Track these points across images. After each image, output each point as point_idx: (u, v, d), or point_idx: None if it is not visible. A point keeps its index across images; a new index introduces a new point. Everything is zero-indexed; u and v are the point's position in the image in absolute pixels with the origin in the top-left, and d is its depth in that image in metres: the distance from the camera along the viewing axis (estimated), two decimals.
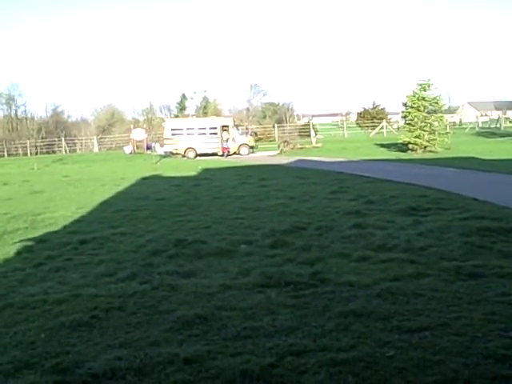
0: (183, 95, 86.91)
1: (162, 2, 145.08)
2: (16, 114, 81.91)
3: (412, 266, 8.21)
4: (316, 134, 56.87)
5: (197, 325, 6.16)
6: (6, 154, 63.92)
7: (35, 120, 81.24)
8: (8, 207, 17.60)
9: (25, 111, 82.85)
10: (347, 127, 71.35)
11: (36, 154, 63.52)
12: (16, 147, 66.46)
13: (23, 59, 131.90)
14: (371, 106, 77.42)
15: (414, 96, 39.33)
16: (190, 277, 8.23)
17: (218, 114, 71.63)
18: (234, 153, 45.73)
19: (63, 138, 66.35)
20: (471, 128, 66.48)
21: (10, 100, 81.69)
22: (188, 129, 46.47)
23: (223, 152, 45.11)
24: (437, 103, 39.70)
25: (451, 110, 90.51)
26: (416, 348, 5.29)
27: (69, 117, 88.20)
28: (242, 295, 7.20)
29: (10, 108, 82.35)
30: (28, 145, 64.16)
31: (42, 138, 70.44)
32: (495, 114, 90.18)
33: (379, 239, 10.03)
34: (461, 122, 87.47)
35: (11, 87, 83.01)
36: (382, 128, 63.16)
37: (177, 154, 45.42)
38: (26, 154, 62.69)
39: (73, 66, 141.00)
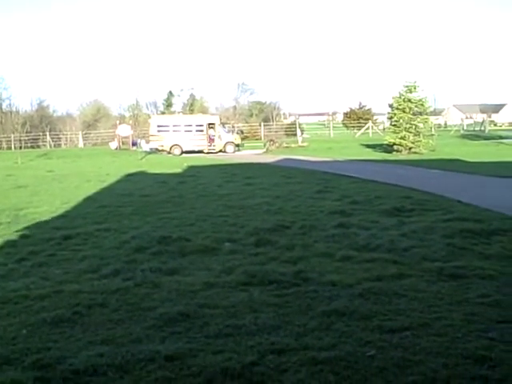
0: (170, 92, 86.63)
1: None
2: (1, 108, 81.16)
3: (395, 266, 8.27)
4: (302, 134, 56.93)
5: (179, 322, 6.16)
6: None
7: (20, 114, 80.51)
8: None
9: (9, 105, 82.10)
10: (333, 127, 71.47)
11: (20, 148, 62.92)
12: (0, 141, 65.93)
13: (8, 53, 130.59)
14: (357, 107, 77.74)
15: (399, 97, 39.56)
16: (173, 274, 8.22)
17: (204, 111, 71.39)
18: (220, 150, 45.72)
19: (48, 133, 65.76)
20: (456, 130, 66.93)
21: None
22: (174, 126, 46.40)
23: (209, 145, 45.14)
24: (422, 105, 39.93)
25: (437, 112, 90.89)
26: (396, 348, 5.34)
27: (54, 111, 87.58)
28: (224, 293, 7.22)
29: None
30: (12, 139, 63.55)
31: (27, 133, 69.78)
32: (480, 117, 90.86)
33: (363, 239, 10.08)
34: (446, 124, 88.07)
35: None
36: (367, 128, 63.42)
37: (162, 150, 45.33)
38: (10, 148, 62.11)
39: (59, 60, 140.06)
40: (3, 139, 65.72)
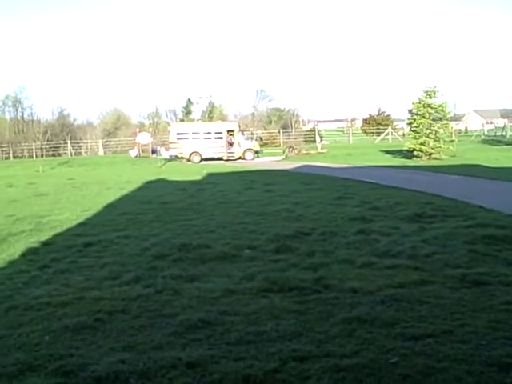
0: (189, 100, 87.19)
1: (170, 7, 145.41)
2: (22, 117, 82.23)
3: (416, 272, 8.19)
4: (321, 140, 56.91)
5: (200, 329, 6.15)
6: (11, 156, 64.26)
7: (41, 123, 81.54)
8: (13, 209, 17.63)
9: (31, 114, 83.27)
10: (352, 133, 71.36)
11: (42, 156, 63.71)
12: (22, 149, 66.81)
13: (30, 62, 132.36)
14: (377, 113, 77.54)
15: (419, 103, 39.37)
16: (193, 281, 8.22)
17: (223, 118, 71.68)
18: (239, 157, 45.80)
19: (69, 141, 66.52)
20: (477, 136, 66.38)
21: (16, 102, 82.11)
22: (193, 133, 46.58)
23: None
24: (442, 110, 39.71)
25: (457, 118, 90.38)
26: (419, 355, 5.27)
27: (75, 120, 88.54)
28: (245, 300, 7.19)
29: (17, 110, 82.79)
30: (34, 147, 64.39)
31: (48, 141, 70.63)
32: (501, 122, 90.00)
33: (384, 245, 10.01)
34: (466, 129, 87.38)
35: (18, 90, 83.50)
36: (387, 135, 63.15)
37: (182, 158, 45.54)
38: (31, 157, 62.90)
39: (79, 69, 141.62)
40: (25, 148, 66.59)
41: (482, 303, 6.73)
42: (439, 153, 37.90)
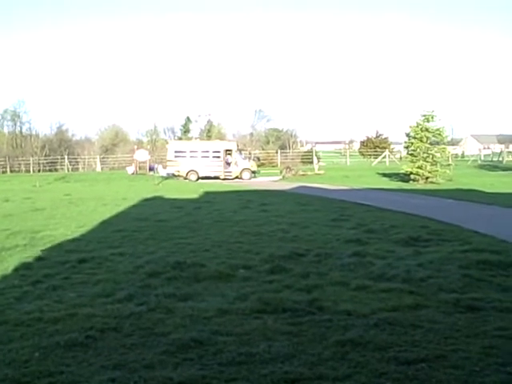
0: (188, 118, 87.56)
1: (170, 25, 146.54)
2: (21, 131, 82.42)
3: (411, 296, 8.17)
4: (318, 161, 57.08)
5: (192, 349, 6.11)
6: (8, 170, 64.17)
7: (40, 137, 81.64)
8: (8, 223, 17.58)
9: (29, 128, 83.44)
10: (350, 155, 71.62)
11: (39, 171, 63.71)
12: (19, 164, 66.80)
13: (30, 77, 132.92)
14: (374, 135, 77.83)
15: (417, 127, 39.57)
16: (187, 300, 8.18)
17: (221, 137, 71.97)
18: (237, 177, 45.88)
19: (66, 157, 66.58)
20: (473, 160, 66.65)
21: (15, 117, 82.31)
22: (191, 151, 46.71)
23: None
24: (440, 135, 39.91)
25: (454, 142, 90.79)
26: (412, 380, 5.24)
27: (73, 135, 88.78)
28: (238, 320, 7.16)
29: (15, 125, 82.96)
30: (31, 162, 64.39)
31: (46, 156, 70.69)
32: (498, 148, 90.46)
33: (378, 268, 9.98)
34: (463, 154, 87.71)
35: (17, 104, 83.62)
36: (384, 157, 63.36)
37: (179, 176, 45.61)
38: (28, 171, 62.86)
39: (79, 85, 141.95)
40: (22, 162, 66.58)
41: (476, 329, 6.70)
42: (436, 177, 38.02)
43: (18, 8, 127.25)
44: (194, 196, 28.01)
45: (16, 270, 10.57)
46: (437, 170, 38.36)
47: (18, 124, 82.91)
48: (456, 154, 79.26)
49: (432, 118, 39.31)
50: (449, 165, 41.14)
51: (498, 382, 5.12)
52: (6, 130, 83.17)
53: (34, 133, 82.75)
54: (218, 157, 46.53)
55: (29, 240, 14.01)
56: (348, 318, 7.15)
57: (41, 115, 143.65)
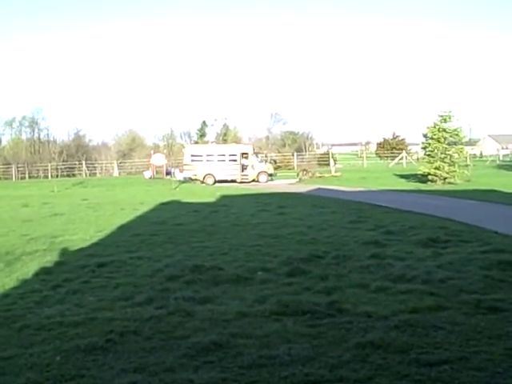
0: (204, 122, 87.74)
1: (186, 29, 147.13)
2: (39, 138, 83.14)
3: (431, 298, 8.10)
4: (335, 163, 56.92)
5: (212, 352, 6.10)
6: (27, 176, 64.77)
7: (57, 143, 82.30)
8: (28, 229, 17.74)
9: (47, 135, 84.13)
10: (366, 157, 71.36)
11: (57, 176, 64.22)
12: (37, 170, 67.43)
13: (47, 83, 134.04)
14: (391, 137, 77.42)
15: (434, 127, 39.29)
16: (206, 303, 8.19)
17: (237, 141, 71.98)
18: (253, 180, 45.89)
19: (84, 162, 67.07)
20: (492, 161, 66.14)
21: (33, 123, 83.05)
22: (207, 155, 46.80)
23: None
24: (457, 135, 39.61)
25: (472, 143, 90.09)
26: (435, 382, 5.20)
27: (90, 141, 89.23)
28: (258, 323, 7.15)
29: (33, 131, 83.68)
30: (49, 167, 64.96)
31: (63, 161, 71.25)
32: None
33: (398, 270, 9.92)
34: (481, 154, 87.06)
35: (35, 111, 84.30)
36: (401, 159, 63.03)
37: (196, 179, 45.70)
38: (46, 177, 63.39)
39: (95, 90, 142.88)
40: (40, 168, 67.19)
41: (498, 330, 6.63)
42: (454, 177, 37.72)
43: (34, 16, 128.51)
44: (211, 200, 28.05)
45: (36, 274, 10.66)
46: (455, 171, 38.06)
47: (36, 131, 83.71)
48: (474, 155, 78.63)
49: (449, 118, 39.04)
50: (467, 165, 40.79)
51: None
52: (24, 137, 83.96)
53: (51, 139, 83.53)
54: (235, 160, 46.57)
55: (48, 245, 14.13)
56: (368, 319, 7.11)
57: (58, 121, 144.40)
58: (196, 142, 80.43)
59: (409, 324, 6.86)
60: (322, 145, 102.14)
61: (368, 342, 6.20)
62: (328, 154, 63.15)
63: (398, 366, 5.59)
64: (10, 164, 66.80)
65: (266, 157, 54.05)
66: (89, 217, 21.18)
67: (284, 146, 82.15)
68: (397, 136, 77.35)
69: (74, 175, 65.12)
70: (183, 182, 44.74)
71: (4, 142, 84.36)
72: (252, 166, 46.45)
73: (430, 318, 7.10)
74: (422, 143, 45.03)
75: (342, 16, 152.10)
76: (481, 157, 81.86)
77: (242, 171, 46.43)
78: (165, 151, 62.40)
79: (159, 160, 51.63)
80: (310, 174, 47.60)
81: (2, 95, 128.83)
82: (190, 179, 46.00)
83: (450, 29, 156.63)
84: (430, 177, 37.93)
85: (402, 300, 8.03)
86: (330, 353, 5.99)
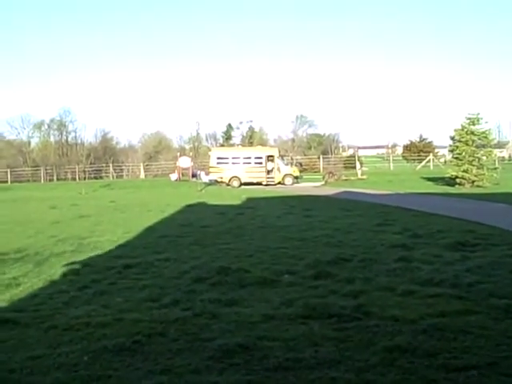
0: (229, 125, 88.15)
1: (212, 32, 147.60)
2: (67, 140, 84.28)
3: (460, 302, 8.00)
4: (361, 166, 56.59)
5: (238, 354, 6.10)
6: (55, 178, 65.63)
7: (85, 146, 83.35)
8: (55, 230, 17.94)
9: (75, 137, 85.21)
10: (393, 160, 70.78)
11: (84, 178, 65.06)
12: (65, 172, 68.37)
13: (75, 86, 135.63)
14: (418, 139, 76.78)
15: (462, 130, 38.87)
16: (232, 305, 8.19)
17: (263, 143, 72.15)
18: (279, 183, 45.91)
19: (111, 164, 67.78)
20: None
21: (61, 126, 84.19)
22: (233, 158, 46.98)
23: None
24: (486, 137, 39.10)
25: (501, 145, 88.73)
26: None
27: (117, 143, 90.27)
28: (284, 326, 7.12)
29: (61, 134, 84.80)
30: (77, 170, 65.75)
31: (91, 164, 72.12)
32: None
33: (426, 274, 9.82)
34: (510, 157, 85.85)
35: (63, 113, 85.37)
36: (428, 161, 62.43)
37: (221, 182, 45.89)
38: (74, 179, 64.18)
39: (123, 93, 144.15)
40: (68, 170, 68.13)
41: None
42: (482, 180, 37.25)
43: (58, 18, 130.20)
44: (237, 202, 28.11)
45: (64, 275, 10.77)
46: (483, 174, 37.59)
47: (64, 133, 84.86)
48: (503, 157, 77.62)
49: (478, 120, 38.56)
50: (495, 168, 40.25)
51: None
52: (52, 139, 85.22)
53: (79, 141, 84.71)
54: (260, 163, 46.67)
55: (76, 246, 14.27)
56: (395, 323, 7.04)
57: (86, 123, 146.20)
58: (222, 145, 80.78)
59: (437, 328, 6.78)
60: (348, 147, 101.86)
61: (395, 346, 6.14)
62: (354, 157, 62.87)
63: (426, 370, 5.53)
64: (38, 166, 67.88)
65: (291, 159, 54.09)
66: (116, 218, 21.36)
67: (310, 148, 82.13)
68: (424, 139, 76.70)
69: (101, 177, 65.83)
70: (209, 184, 44.93)
71: (33, 145, 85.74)
72: (278, 169, 46.51)
73: (458, 323, 7.01)
74: (450, 146, 44.60)
75: (368, 17, 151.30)
76: (509, 159, 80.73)
77: (268, 174, 46.49)
78: (191, 154, 62.72)
79: (185, 162, 51.89)
80: (336, 177, 47.47)
81: (31, 98, 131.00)
82: (216, 182, 46.21)
83: (478, 29, 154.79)
84: (458, 180, 37.53)
85: (429, 304, 7.94)
86: (356, 356, 5.95)
